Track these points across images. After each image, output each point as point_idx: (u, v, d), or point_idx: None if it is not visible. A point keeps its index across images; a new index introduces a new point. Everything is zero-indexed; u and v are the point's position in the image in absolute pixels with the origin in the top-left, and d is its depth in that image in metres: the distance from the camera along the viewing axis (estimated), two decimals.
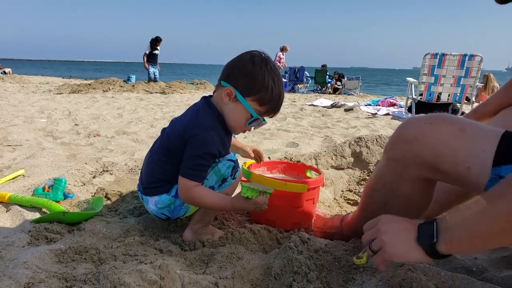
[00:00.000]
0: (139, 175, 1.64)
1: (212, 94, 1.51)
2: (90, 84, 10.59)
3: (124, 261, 1.25)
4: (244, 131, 1.52)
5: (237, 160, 1.59)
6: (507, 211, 0.85)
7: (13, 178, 2.23)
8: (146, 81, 11.61)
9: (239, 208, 1.46)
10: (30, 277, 1.11)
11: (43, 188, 1.94)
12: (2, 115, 4.97)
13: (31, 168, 2.42)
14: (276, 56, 14.40)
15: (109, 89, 10.05)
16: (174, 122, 1.52)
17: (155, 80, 11.87)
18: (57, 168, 2.49)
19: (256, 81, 1.37)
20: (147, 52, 11.68)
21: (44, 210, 1.76)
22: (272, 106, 1.42)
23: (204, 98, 1.50)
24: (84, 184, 2.22)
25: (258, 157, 1.93)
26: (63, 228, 1.56)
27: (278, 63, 14.36)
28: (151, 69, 11.95)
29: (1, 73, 15.15)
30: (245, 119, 1.42)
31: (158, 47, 11.84)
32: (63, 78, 18.75)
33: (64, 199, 1.94)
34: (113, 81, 11.23)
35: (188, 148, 1.38)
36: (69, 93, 9.22)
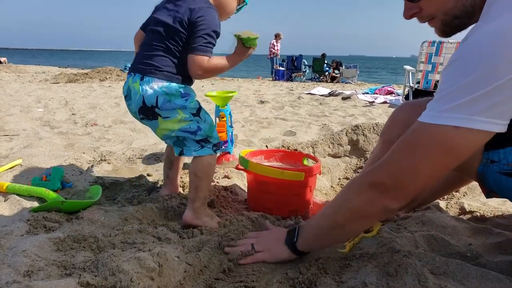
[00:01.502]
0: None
1: None
2: (87, 73, 10.52)
3: (122, 249, 1.26)
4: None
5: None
6: (338, 208, 1.11)
7: (10, 168, 2.23)
8: None
9: (244, 57, 1.64)
10: (29, 265, 1.12)
11: (41, 177, 1.95)
12: None
13: (29, 157, 2.42)
14: (270, 43, 14.33)
15: (106, 78, 10.00)
16: (169, 12, 1.58)
17: None
18: (54, 157, 2.49)
19: None
20: None
21: (42, 199, 1.77)
22: None
23: None
24: (82, 173, 2.23)
25: None
26: (62, 216, 1.57)
27: (273, 50, 14.31)
28: None
29: None
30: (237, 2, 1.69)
31: None
32: (59, 67, 18.63)
33: (62, 188, 1.94)
34: (110, 70, 11.16)
35: (199, 28, 1.51)
36: (66, 82, 9.16)
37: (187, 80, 1.61)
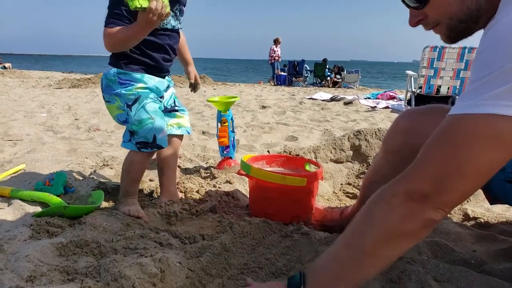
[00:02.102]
0: None
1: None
2: (90, 79, 10.57)
3: (124, 254, 1.26)
4: None
5: None
6: (363, 232, 0.89)
7: (14, 173, 2.23)
8: None
9: (142, 24, 1.43)
10: (32, 270, 1.12)
11: (44, 182, 1.95)
12: (3, 110, 4.97)
13: (32, 162, 2.43)
14: (270, 49, 14.41)
15: None
16: None
17: None
18: (57, 162, 2.50)
19: None
20: None
21: (45, 204, 1.77)
22: None
23: None
24: (85, 178, 2.23)
25: (193, 85, 2.10)
26: (64, 222, 1.57)
27: (273, 55, 14.40)
28: None
29: (1, 67, 15.13)
30: None
31: None
32: (63, 72, 18.70)
33: (65, 193, 1.95)
34: None
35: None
36: (69, 87, 9.21)
37: (140, 67, 1.62)
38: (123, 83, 1.58)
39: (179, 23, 1.74)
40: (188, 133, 1.97)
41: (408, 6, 1.01)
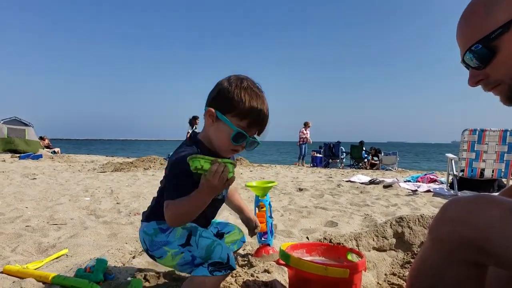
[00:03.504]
0: None
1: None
2: (132, 162, 11.01)
3: None
4: (233, 151, 1.53)
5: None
6: None
7: (57, 258, 2.29)
8: None
9: (205, 190, 1.35)
10: None
11: (85, 269, 1.97)
12: (50, 194, 5.21)
13: (74, 247, 2.49)
14: (299, 131, 15.03)
15: (150, 167, 10.40)
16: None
17: None
18: (98, 247, 2.54)
19: (232, 97, 1.44)
20: (190, 131, 12.19)
21: None
22: (253, 119, 1.46)
23: (192, 133, 1.63)
24: (124, 264, 2.24)
25: (253, 230, 2.02)
26: None
27: (302, 136, 14.93)
28: None
29: (52, 152, 16.10)
30: (228, 135, 1.46)
31: (196, 126, 12.38)
32: (106, 156, 19.62)
33: (105, 280, 1.95)
34: (154, 159, 11.63)
35: (168, 171, 1.49)
36: (112, 171, 9.59)
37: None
38: (166, 230, 1.49)
39: (227, 190, 1.72)
40: (244, 241, 1.95)
41: (468, 66, 1.00)
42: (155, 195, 1.66)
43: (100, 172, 9.25)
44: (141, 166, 10.44)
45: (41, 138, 18.11)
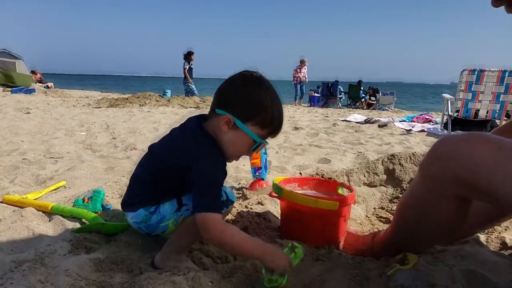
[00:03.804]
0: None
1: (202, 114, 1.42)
2: (127, 98, 10.93)
3: (158, 272, 1.29)
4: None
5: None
6: None
7: (55, 189, 2.34)
8: (189, 96, 11.71)
9: (268, 257, 1.25)
10: (71, 284, 1.17)
11: (83, 199, 2.03)
12: (46, 128, 5.22)
13: (72, 179, 2.54)
14: (293, 70, 14.48)
15: (146, 103, 10.34)
16: (165, 144, 1.44)
17: (192, 94, 12.08)
18: (95, 180, 2.59)
19: (254, 104, 1.29)
20: (186, 67, 11.92)
21: (83, 220, 1.84)
22: (274, 127, 1.34)
23: (195, 122, 1.40)
24: (121, 196, 2.30)
25: None
26: (101, 238, 1.63)
27: (296, 75, 14.40)
28: (193, 84, 12.21)
29: (44, 87, 15.91)
30: (248, 145, 1.34)
31: (192, 61, 12.09)
32: (101, 92, 19.43)
33: (103, 210, 2.01)
34: (150, 95, 11.54)
35: (197, 180, 1.26)
36: (107, 107, 9.55)
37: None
38: (154, 211, 1.41)
39: None
40: (234, 201, 1.78)
41: None
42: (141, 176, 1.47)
43: (95, 108, 9.22)
44: (137, 102, 10.38)
45: (33, 72, 17.79)
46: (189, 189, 1.35)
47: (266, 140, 1.37)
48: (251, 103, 1.29)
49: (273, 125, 1.33)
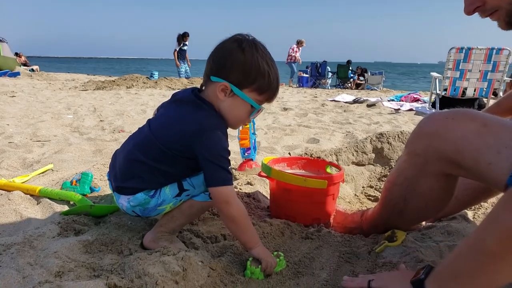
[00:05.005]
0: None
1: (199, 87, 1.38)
2: (114, 81, 10.78)
3: (148, 252, 1.29)
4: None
5: None
6: (487, 233, 0.86)
7: (42, 172, 2.31)
8: (177, 79, 11.58)
9: (261, 252, 1.29)
10: (60, 266, 1.17)
11: (71, 182, 2.01)
12: (32, 112, 5.13)
13: (59, 162, 2.51)
14: (289, 48, 14.23)
15: (133, 85, 10.22)
16: (165, 121, 1.35)
17: (187, 77, 11.93)
18: (83, 163, 2.57)
19: (251, 70, 1.25)
20: (177, 48, 11.72)
21: (72, 203, 1.83)
22: (272, 92, 1.33)
23: (189, 93, 1.35)
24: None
25: None
26: (90, 220, 1.63)
27: (292, 54, 14.19)
28: (183, 67, 12.03)
29: (30, 70, 15.58)
30: (246, 112, 1.32)
31: (187, 43, 11.88)
32: (88, 75, 19.12)
33: (91, 192, 2.00)
34: (137, 77, 11.39)
35: (208, 153, 1.23)
36: (94, 89, 9.41)
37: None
38: (154, 194, 1.34)
39: None
40: None
41: None
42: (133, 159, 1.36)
43: (82, 91, 9.07)
44: (124, 84, 10.25)
45: (17, 55, 17.37)
46: (193, 171, 1.35)
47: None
48: (248, 69, 1.25)
49: (270, 90, 1.31)
